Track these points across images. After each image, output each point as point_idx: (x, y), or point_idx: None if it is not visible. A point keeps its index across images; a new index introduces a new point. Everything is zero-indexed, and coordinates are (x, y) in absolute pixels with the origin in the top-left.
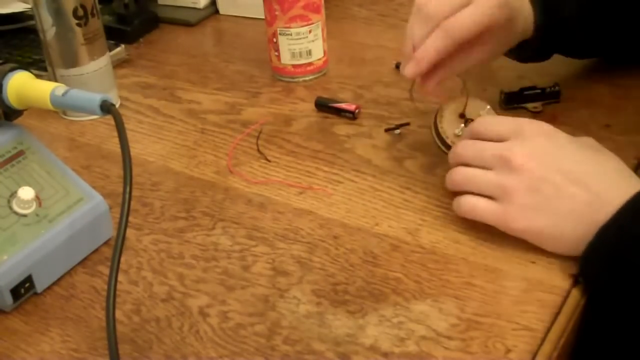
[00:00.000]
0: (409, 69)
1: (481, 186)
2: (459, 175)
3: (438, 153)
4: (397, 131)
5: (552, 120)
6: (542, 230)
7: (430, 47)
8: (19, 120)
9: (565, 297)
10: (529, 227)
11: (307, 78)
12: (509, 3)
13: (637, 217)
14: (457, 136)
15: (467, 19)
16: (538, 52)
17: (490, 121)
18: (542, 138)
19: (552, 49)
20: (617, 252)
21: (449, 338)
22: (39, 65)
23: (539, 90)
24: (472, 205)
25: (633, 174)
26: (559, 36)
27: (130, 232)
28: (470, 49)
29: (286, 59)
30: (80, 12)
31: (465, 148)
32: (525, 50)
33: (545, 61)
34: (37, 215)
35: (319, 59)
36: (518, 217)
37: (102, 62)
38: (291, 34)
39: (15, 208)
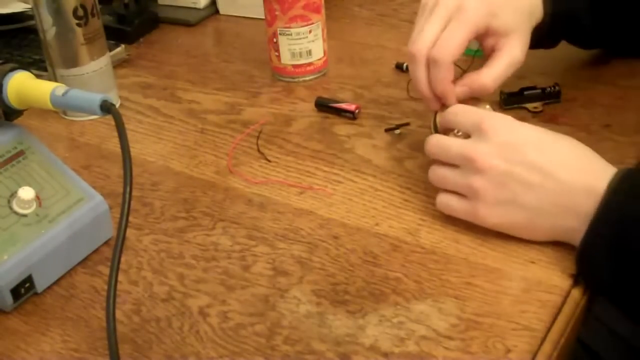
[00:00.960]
0: (433, 107)
1: (452, 186)
2: (434, 175)
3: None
4: (397, 131)
5: (552, 120)
6: (515, 223)
7: (434, 85)
8: (19, 120)
9: (565, 297)
10: (501, 222)
11: (307, 78)
12: (491, 7)
13: (629, 198)
14: (457, 136)
15: (450, 43)
16: (547, 37)
17: (457, 111)
18: (503, 132)
19: (560, 35)
20: (617, 240)
21: (449, 338)
22: (39, 65)
23: (539, 90)
24: (446, 204)
25: (595, 155)
26: (568, 23)
27: (130, 232)
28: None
29: (286, 59)
30: (81, 12)
31: (432, 145)
32: (534, 36)
33: (552, 48)
34: (37, 215)
35: (319, 59)
36: (489, 214)
37: (102, 62)
38: (291, 34)
39: (15, 208)
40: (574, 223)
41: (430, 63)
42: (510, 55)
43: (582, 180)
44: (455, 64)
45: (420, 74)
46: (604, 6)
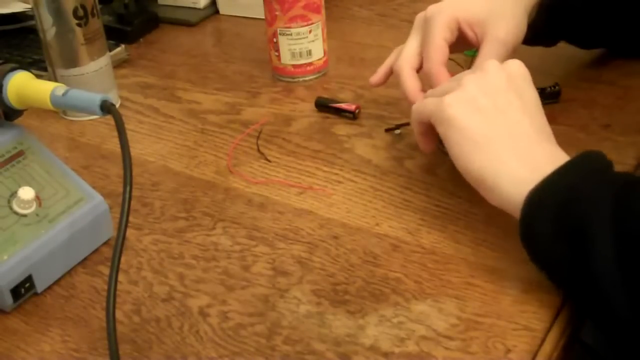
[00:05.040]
0: None
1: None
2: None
3: (438, 153)
4: (397, 131)
5: (551, 120)
6: (471, 129)
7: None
8: (19, 120)
9: (565, 297)
10: (458, 116)
11: (307, 78)
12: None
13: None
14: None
15: (405, 54)
16: (544, 34)
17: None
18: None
19: (558, 33)
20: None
21: (449, 338)
22: (39, 65)
23: (538, 90)
24: (418, 105)
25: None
26: (565, 19)
27: (130, 232)
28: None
29: (286, 59)
30: (81, 12)
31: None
32: (530, 31)
33: (551, 47)
34: (37, 215)
35: (319, 59)
36: (453, 104)
37: (102, 62)
38: (291, 34)
39: (15, 208)
40: (523, 174)
41: (394, 75)
42: (493, 39)
43: (551, 142)
44: (458, 64)
45: (401, 86)
46: (601, 1)
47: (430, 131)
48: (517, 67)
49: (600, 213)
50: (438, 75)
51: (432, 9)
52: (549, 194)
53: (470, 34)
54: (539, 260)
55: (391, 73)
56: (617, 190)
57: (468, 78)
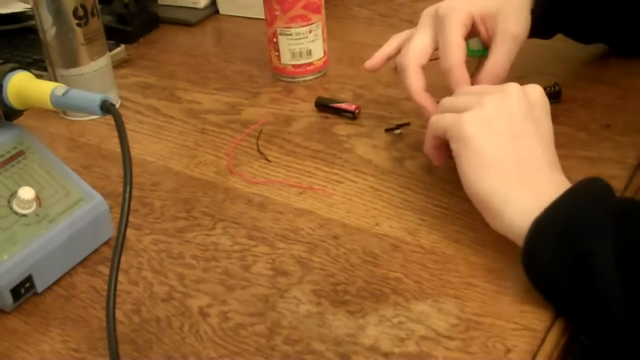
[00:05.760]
0: (426, 115)
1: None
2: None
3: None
4: (397, 131)
5: (552, 120)
6: (485, 150)
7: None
8: (19, 120)
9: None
10: (475, 133)
11: (307, 78)
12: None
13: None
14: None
15: (411, 49)
16: (542, 26)
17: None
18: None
19: (556, 25)
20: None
21: (449, 338)
22: (39, 65)
23: None
24: (436, 119)
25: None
26: (563, 10)
27: (130, 232)
28: None
29: (286, 59)
30: (81, 12)
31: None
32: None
33: (547, 39)
34: (37, 215)
35: (319, 59)
36: (472, 122)
37: (102, 62)
38: (291, 34)
39: (15, 208)
40: (530, 203)
41: (398, 70)
42: (505, 34)
43: (560, 173)
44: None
45: (405, 82)
46: None
47: (444, 145)
48: (538, 95)
49: (601, 239)
50: (459, 75)
51: (444, 5)
52: (550, 222)
53: (482, 29)
54: (540, 285)
55: (387, 60)
56: (617, 216)
57: (490, 99)
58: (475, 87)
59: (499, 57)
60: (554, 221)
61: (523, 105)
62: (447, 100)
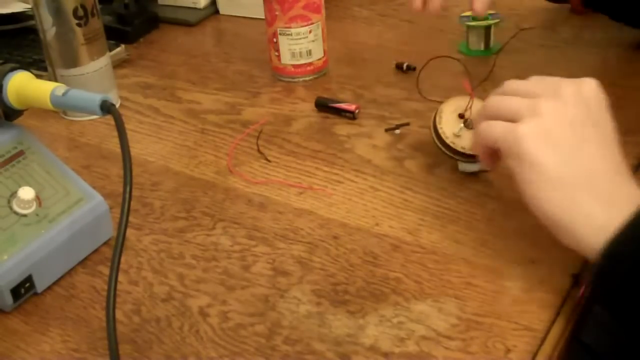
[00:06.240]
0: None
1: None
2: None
3: (438, 153)
4: (397, 131)
5: None
6: (546, 166)
7: None
8: (19, 120)
9: (565, 297)
10: (534, 150)
11: (307, 78)
12: None
13: None
14: (457, 136)
15: None
16: None
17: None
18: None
19: None
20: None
21: (449, 338)
22: (39, 65)
23: None
24: (487, 126)
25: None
26: None
27: (130, 232)
28: None
29: (286, 59)
30: (81, 12)
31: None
32: None
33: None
34: (37, 215)
35: (319, 59)
36: (529, 135)
37: (102, 62)
38: (291, 34)
39: (15, 208)
40: (602, 218)
41: None
42: None
43: (629, 180)
44: (459, 60)
45: None
46: None
47: (496, 153)
48: (594, 92)
49: None
50: None
51: None
52: (627, 243)
53: None
54: (612, 301)
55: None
56: None
57: (546, 106)
58: (524, 84)
59: None
60: (632, 242)
61: (582, 109)
62: (495, 102)
